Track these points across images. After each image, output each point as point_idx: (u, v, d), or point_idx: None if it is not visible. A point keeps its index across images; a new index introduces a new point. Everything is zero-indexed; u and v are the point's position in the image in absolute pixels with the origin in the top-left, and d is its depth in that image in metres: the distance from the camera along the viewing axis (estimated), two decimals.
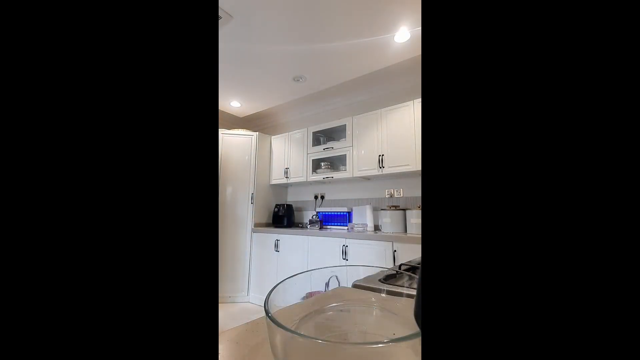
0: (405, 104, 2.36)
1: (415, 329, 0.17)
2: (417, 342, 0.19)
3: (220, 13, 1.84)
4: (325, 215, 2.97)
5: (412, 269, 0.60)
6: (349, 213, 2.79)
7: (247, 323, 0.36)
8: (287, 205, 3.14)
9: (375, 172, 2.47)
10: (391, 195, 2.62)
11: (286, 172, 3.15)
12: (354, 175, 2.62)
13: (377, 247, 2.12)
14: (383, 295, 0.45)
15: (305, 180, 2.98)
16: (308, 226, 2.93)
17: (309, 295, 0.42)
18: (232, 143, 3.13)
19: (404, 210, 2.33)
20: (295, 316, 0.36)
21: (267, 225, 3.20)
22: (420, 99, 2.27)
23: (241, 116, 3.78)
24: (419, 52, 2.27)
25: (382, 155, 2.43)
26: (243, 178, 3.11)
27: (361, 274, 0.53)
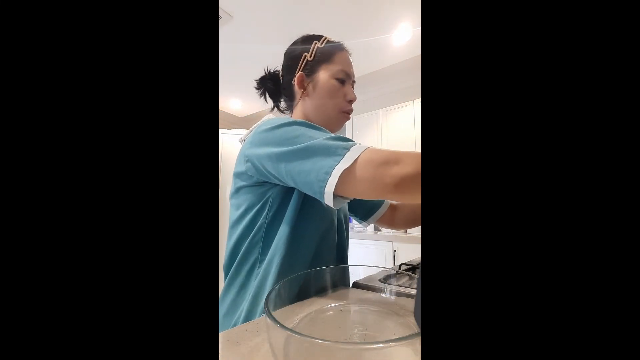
0: (405, 104, 2.36)
1: (415, 329, 0.17)
2: (417, 342, 0.19)
3: (220, 13, 1.84)
4: None
5: (412, 269, 0.60)
6: None
7: (247, 323, 0.36)
8: None
9: None
10: None
11: None
12: None
13: (377, 247, 2.12)
14: (383, 295, 0.45)
15: None
16: None
17: (310, 295, 0.42)
18: (232, 143, 3.12)
19: None
20: (295, 316, 0.36)
21: None
22: (420, 99, 2.27)
23: (241, 116, 3.78)
24: (419, 52, 2.27)
25: None
26: None
27: (361, 274, 0.53)
